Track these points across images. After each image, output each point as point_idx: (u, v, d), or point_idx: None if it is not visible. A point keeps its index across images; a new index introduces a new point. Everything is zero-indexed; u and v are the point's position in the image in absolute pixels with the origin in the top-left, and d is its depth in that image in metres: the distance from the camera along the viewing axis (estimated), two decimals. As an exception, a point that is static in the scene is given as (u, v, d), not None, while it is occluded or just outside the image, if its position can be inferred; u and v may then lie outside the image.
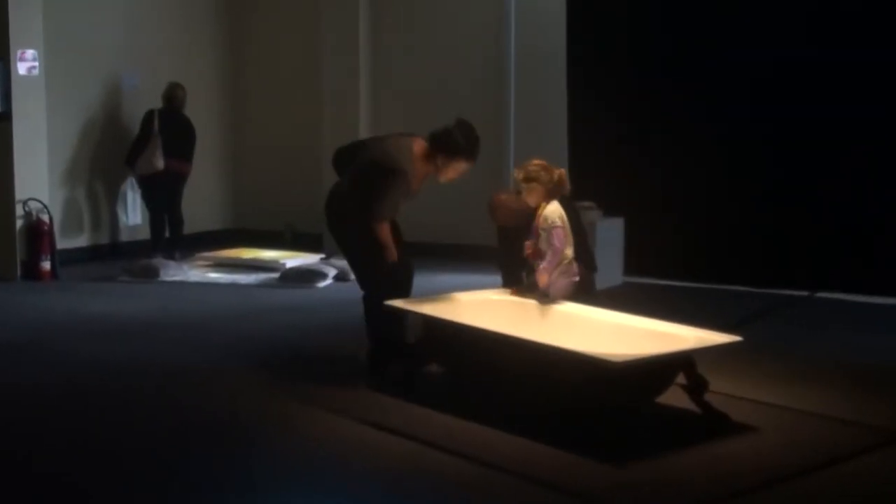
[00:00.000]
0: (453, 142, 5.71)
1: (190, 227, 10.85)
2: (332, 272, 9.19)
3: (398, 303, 5.73)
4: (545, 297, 5.74)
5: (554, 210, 5.72)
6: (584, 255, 6.43)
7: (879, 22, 8.08)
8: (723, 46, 8.70)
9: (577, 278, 5.84)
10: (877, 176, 8.15)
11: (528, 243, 5.87)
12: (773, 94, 8.50)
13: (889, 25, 8.05)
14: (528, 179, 5.74)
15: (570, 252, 5.78)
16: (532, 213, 5.85)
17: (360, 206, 5.64)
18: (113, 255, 10.60)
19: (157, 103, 10.42)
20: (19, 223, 9.34)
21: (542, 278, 5.69)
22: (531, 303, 5.78)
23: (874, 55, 8.05)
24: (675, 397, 5.03)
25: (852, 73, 8.13)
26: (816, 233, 8.39)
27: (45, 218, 9.47)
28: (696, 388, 4.96)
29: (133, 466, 4.53)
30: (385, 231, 5.66)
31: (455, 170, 5.80)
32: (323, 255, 10.08)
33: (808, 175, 8.40)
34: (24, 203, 9.35)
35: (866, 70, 8.09)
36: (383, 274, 5.73)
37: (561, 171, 5.81)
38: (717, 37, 8.73)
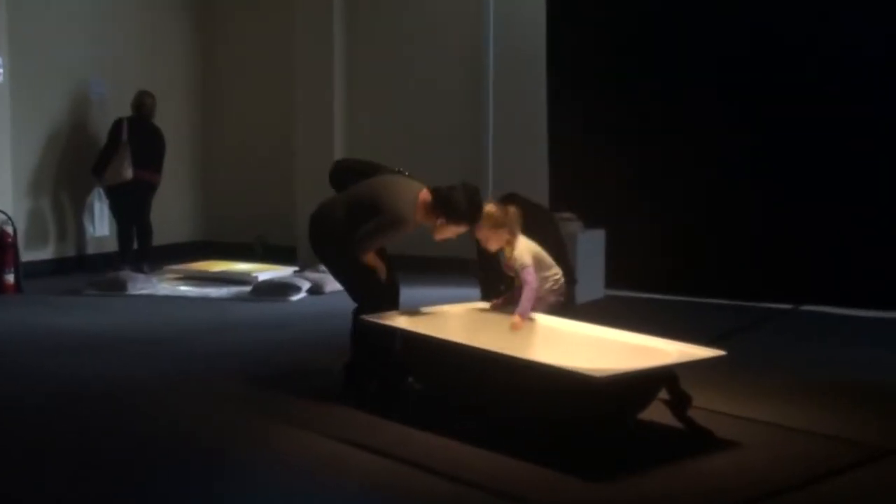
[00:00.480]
0: (455, 206, 5.66)
1: (159, 238, 10.80)
2: (305, 285, 9.17)
3: (375, 317, 5.72)
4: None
5: (523, 249, 5.68)
6: (564, 268, 6.44)
7: (867, 32, 8.15)
8: (706, 55, 8.75)
9: (563, 298, 5.84)
10: (861, 188, 8.20)
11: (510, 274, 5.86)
12: (758, 104, 8.54)
13: (872, 41, 8.13)
14: (497, 226, 5.68)
15: (555, 272, 5.79)
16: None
17: (350, 237, 5.64)
18: (79, 267, 10.55)
19: (125, 111, 10.38)
20: (-18, 235, 9.29)
21: (518, 323, 5.56)
22: (511, 317, 5.77)
23: (865, 63, 8.12)
24: (657, 413, 5.03)
25: (840, 83, 8.20)
26: (800, 245, 8.43)
27: (9, 229, 9.41)
28: (679, 403, 4.96)
29: (99, 484, 4.48)
30: (371, 257, 5.69)
31: (452, 231, 5.78)
32: (296, 268, 10.06)
33: (792, 186, 8.44)
34: (-12, 214, 9.31)
35: (855, 79, 8.16)
36: (372, 290, 5.73)
37: (514, 209, 5.77)
38: (701, 45, 8.78)
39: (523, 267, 5.63)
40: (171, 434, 5.18)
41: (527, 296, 5.60)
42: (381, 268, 5.74)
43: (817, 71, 8.28)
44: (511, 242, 5.72)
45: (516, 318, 5.56)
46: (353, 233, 5.62)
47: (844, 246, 8.26)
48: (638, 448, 4.91)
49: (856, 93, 8.14)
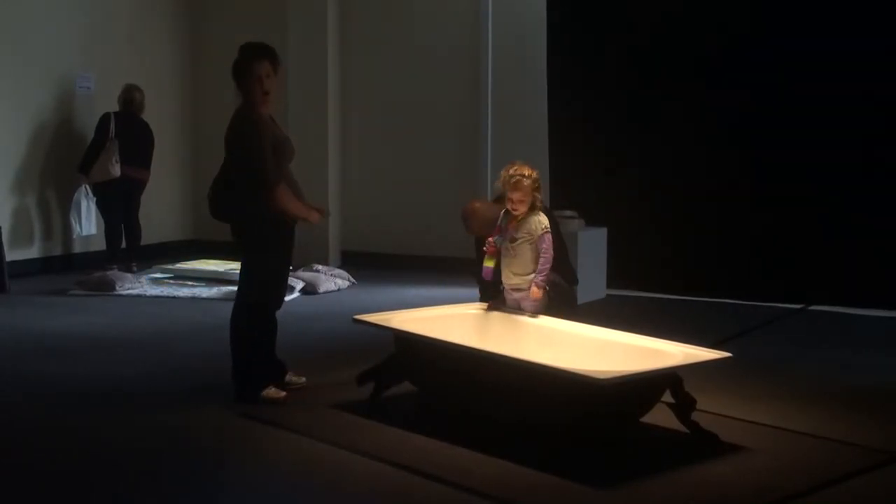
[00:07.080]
0: (237, 66, 5.79)
1: (147, 237, 10.81)
2: (298, 285, 9.17)
3: (369, 317, 5.72)
4: (523, 311, 5.77)
5: (544, 219, 5.77)
6: (565, 268, 6.44)
7: (871, 29, 8.17)
8: (707, 53, 8.77)
9: (549, 290, 5.86)
10: (870, 185, 8.21)
11: (490, 240, 5.88)
12: (761, 100, 8.56)
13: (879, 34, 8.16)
14: (538, 188, 5.77)
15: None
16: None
17: (247, 187, 5.68)
18: (66, 267, 10.55)
19: (112, 106, 10.38)
20: (-34, 234, 9.30)
21: (536, 292, 5.69)
22: (510, 317, 5.79)
23: (866, 61, 8.14)
24: (661, 416, 5.04)
25: (843, 77, 8.21)
26: (810, 244, 8.45)
27: (-6, 228, 9.42)
28: (684, 406, 4.97)
29: (88, 491, 4.49)
30: (284, 197, 5.64)
31: (266, 77, 5.76)
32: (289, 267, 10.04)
33: (799, 184, 8.45)
34: (-29, 212, 9.31)
35: (856, 72, 8.17)
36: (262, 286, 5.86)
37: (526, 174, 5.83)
38: (702, 43, 8.80)
39: (547, 230, 5.70)
40: (158, 439, 5.18)
41: (543, 267, 5.68)
42: (306, 208, 5.73)
43: (819, 70, 8.29)
44: (531, 204, 5.72)
45: (534, 289, 5.68)
46: (247, 183, 5.66)
47: (853, 245, 8.27)
48: (641, 452, 4.92)
49: (861, 90, 8.15)
